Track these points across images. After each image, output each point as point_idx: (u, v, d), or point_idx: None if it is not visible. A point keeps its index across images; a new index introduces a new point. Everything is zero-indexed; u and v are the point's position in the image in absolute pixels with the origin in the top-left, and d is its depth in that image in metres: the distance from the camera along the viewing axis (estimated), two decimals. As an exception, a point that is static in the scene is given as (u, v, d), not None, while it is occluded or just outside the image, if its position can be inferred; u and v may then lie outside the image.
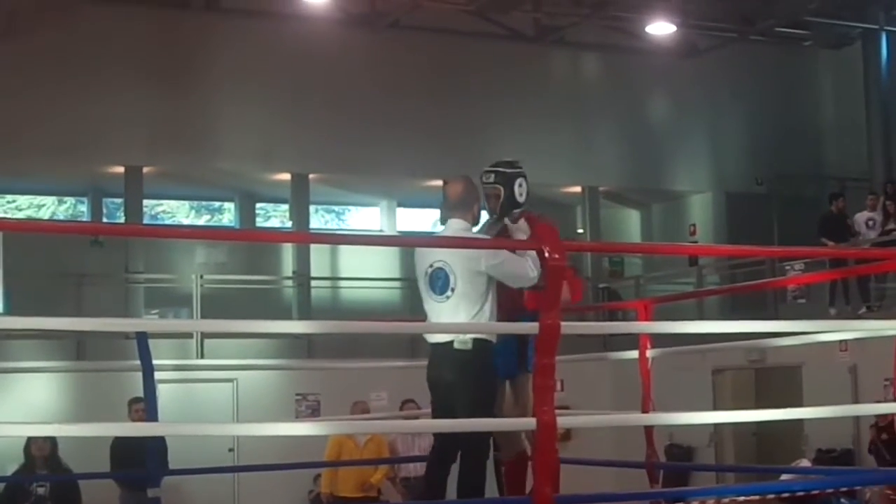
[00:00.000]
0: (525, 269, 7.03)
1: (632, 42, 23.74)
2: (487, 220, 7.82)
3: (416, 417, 12.06)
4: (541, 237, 7.20)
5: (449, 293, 7.18)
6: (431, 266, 7.27)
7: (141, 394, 8.90)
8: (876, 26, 24.00)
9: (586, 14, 22.68)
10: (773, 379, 19.61)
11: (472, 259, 7.09)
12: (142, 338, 8.13)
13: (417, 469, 13.75)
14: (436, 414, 7.42)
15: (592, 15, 22.62)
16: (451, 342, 7.15)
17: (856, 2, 22.59)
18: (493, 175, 7.66)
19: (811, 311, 18.46)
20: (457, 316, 7.16)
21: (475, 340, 7.11)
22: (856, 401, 16.50)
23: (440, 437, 7.39)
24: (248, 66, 21.70)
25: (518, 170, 7.69)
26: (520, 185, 7.63)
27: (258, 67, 21.73)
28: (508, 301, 7.37)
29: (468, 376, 7.11)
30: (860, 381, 17.01)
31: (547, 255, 5.59)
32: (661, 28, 22.42)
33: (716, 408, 18.61)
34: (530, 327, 5.79)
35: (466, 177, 7.59)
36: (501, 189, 7.61)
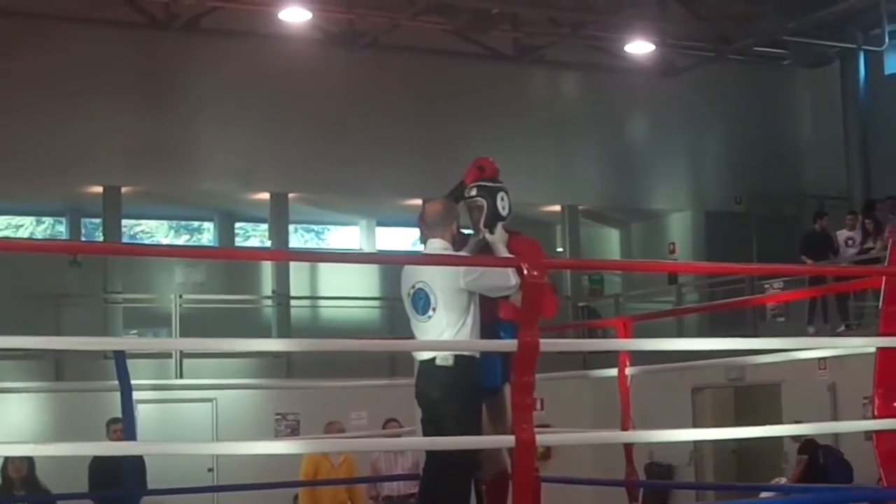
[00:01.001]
0: (504, 278, 7.11)
1: (611, 61, 23.82)
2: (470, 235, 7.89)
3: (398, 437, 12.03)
4: (520, 252, 7.24)
5: (430, 313, 7.28)
6: (413, 287, 7.40)
7: (119, 414, 8.84)
8: (854, 45, 24.11)
9: (565, 33, 22.75)
10: (753, 397, 19.65)
11: (451, 277, 7.17)
12: (120, 357, 8.08)
13: (400, 488, 13.73)
14: (424, 429, 7.45)
15: (571, 34, 22.69)
16: (434, 359, 7.22)
17: (834, 21, 22.69)
18: (475, 190, 7.77)
19: (790, 329, 18.51)
20: (437, 334, 7.23)
21: (457, 357, 7.19)
22: (835, 418, 16.53)
23: (430, 454, 7.42)
24: (227, 86, 21.70)
25: (499, 183, 7.80)
26: (502, 199, 7.77)
27: (237, 87, 21.73)
28: (487, 312, 7.41)
29: (451, 392, 7.18)
30: (839, 398, 17.04)
31: (526, 271, 5.59)
32: (639, 47, 22.50)
33: (696, 426, 18.63)
34: (509, 344, 5.79)
35: (445, 198, 7.72)
36: (484, 202, 7.72)
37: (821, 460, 15.83)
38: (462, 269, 7.16)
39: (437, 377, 7.22)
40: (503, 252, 7.58)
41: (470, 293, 7.23)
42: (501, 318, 7.42)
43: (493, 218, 7.72)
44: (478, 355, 7.30)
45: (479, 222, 7.74)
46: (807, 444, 15.99)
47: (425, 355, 7.35)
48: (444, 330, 7.23)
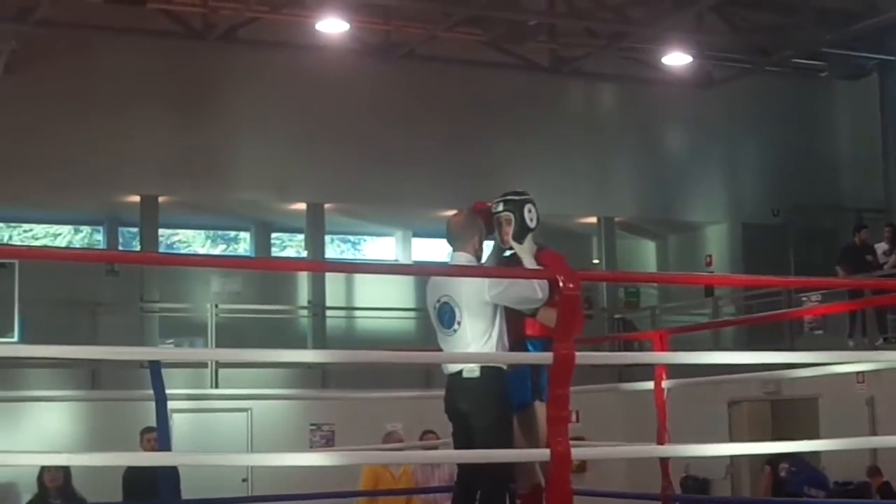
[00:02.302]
0: (530, 290, 7.09)
1: (648, 73, 23.74)
2: (494, 246, 7.90)
3: (435, 448, 11.99)
4: (551, 265, 7.22)
5: (456, 326, 7.30)
6: (439, 301, 7.44)
7: (154, 423, 8.86)
8: (892, 57, 23.95)
9: (602, 45, 22.69)
10: (790, 411, 19.50)
11: (475, 290, 7.19)
12: (155, 367, 8.10)
13: (437, 500, 13.65)
14: (455, 443, 7.44)
15: (608, 46, 22.62)
16: (461, 371, 7.21)
17: (872, 33, 22.53)
18: (502, 204, 7.82)
19: (828, 342, 18.39)
20: (463, 347, 7.24)
21: (483, 368, 7.19)
22: (873, 433, 16.40)
23: (462, 467, 7.41)
24: (264, 96, 21.77)
25: (526, 196, 7.84)
26: (529, 211, 7.80)
27: (274, 97, 21.79)
28: (514, 329, 7.41)
29: (479, 404, 7.17)
30: (877, 412, 16.91)
31: (561, 284, 5.56)
32: (677, 59, 22.41)
33: (732, 440, 18.51)
34: (545, 357, 5.76)
35: (467, 210, 7.75)
36: (512, 216, 7.76)
37: (781, 473, 15.69)
38: (487, 281, 7.17)
39: (465, 390, 7.22)
40: (532, 263, 7.58)
41: (495, 306, 7.22)
42: (528, 335, 7.41)
43: (522, 230, 7.76)
44: (505, 367, 7.28)
45: (507, 235, 7.77)
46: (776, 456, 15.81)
47: (453, 368, 7.36)
48: (469, 343, 7.23)
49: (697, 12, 21.00)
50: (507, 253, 7.83)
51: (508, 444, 7.16)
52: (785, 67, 24.28)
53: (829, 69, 24.63)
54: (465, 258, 7.47)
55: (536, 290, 7.08)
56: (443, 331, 7.41)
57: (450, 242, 7.64)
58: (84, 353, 6.09)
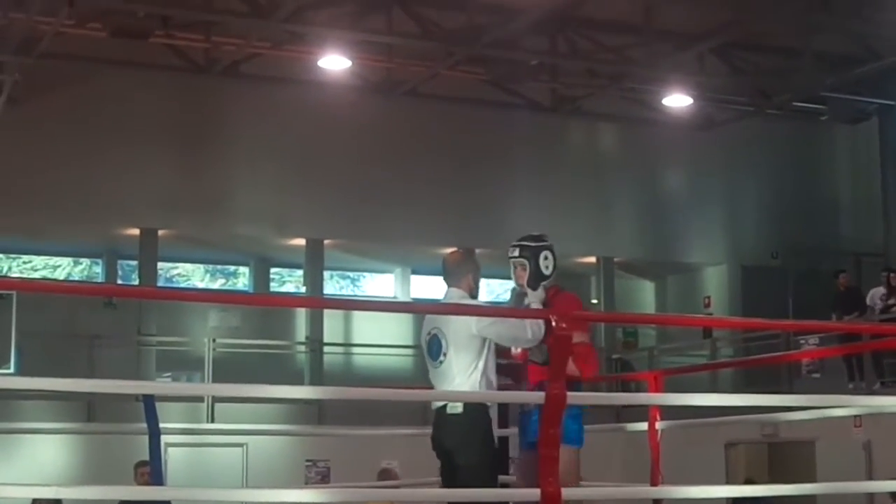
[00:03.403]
0: (520, 329, 7.10)
1: (648, 114, 23.82)
2: (513, 290, 7.90)
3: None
4: (557, 306, 7.23)
5: (442, 358, 7.34)
6: (429, 334, 7.50)
7: (148, 457, 8.84)
8: (892, 102, 24.04)
9: (603, 85, 22.77)
10: (787, 454, 19.46)
11: (463, 323, 7.24)
12: (149, 401, 8.11)
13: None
14: (442, 480, 7.43)
15: (609, 86, 22.71)
16: (445, 406, 7.24)
17: (872, 77, 22.62)
18: (517, 249, 7.80)
19: (826, 385, 18.36)
20: (449, 379, 7.29)
21: (467, 405, 7.17)
22: (870, 477, 16.33)
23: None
24: (265, 131, 21.83)
25: (543, 243, 7.81)
26: (545, 258, 7.76)
27: (276, 132, 21.85)
28: (516, 374, 7.41)
29: (461, 440, 7.16)
30: (875, 457, 16.86)
31: (554, 323, 5.56)
32: (677, 100, 22.47)
33: (728, 482, 18.44)
34: (537, 396, 5.76)
35: (465, 249, 7.86)
36: (527, 262, 7.73)
37: None
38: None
39: (449, 425, 7.22)
40: (534, 305, 7.58)
41: (483, 340, 7.25)
42: (531, 382, 7.39)
43: (537, 277, 7.72)
44: (490, 403, 7.28)
45: (522, 279, 7.75)
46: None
47: (437, 403, 7.40)
48: (455, 375, 7.27)
49: (698, 54, 21.10)
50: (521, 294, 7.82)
51: (490, 483, 7.13)
52: (785, 110, 24.36)
53: (829, 113, 24.73)
54: (458, 294, 7.51)
55: (527, 329, 7.09)
56: (431, 363, 7.46)
57: (445, 279, 7.68)
58: (79, 387, 6.09)
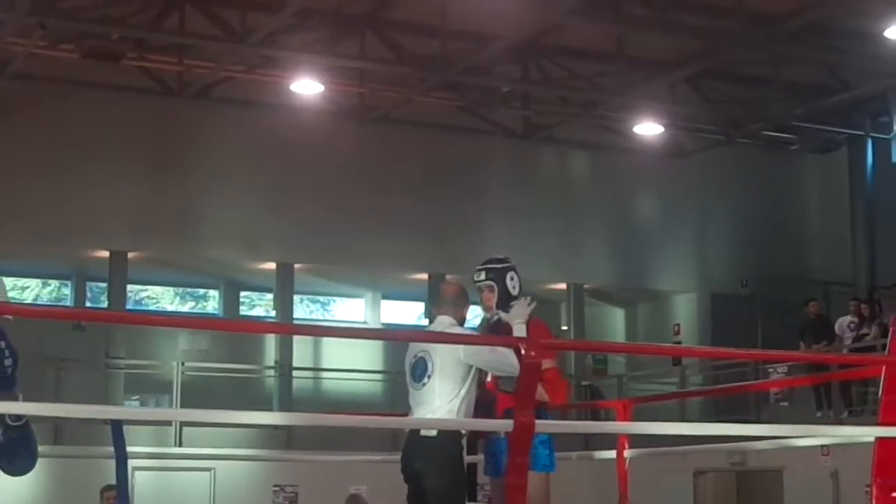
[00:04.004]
0: (506, 358, 7.07)
1: (620, 141, 23.91)
2: (484, 319, 7.91)
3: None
4: (530, 334, 7.23)
5: (425, 380, 7.30)
6: (415, 357, 7.44)
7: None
8: (861, 132, 24.22)
9: (575, 112, 22.86)
10: (755, 482, 19.49)
11: (451, 349, 7.20)
12: (116, 425, 8.07)
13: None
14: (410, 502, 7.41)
15: (582, 114, 22.80)
16: (419, 430, 7.20)
17: (842, 108, 22.79)
18: (483, 273, 7.80)
19: (794, 414, 18.44)
20: (429, 402, 7.25)
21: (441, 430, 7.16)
22: (837, 506, 16.39)
23: None
24: (236, 155, 21.81)
25: (507, 264, 7.85)
26: (511, 279, 7.79)
27: (246, 156, 21.83)
28: (488, 405, 7.39)
29: (432, 464, 7.14)
30: (841, 486, 16.90)
31: (523, 351, 5.57)
32: (649, 129, 22.58)
33: (696, 510, 18.48)
34: (505, 424, 5.75)
35: (460, 283, 7.82)
36: (495, 285, 7.75)
37: None
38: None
39: (421, 448, 7.21)
40: (520, 330, 7.55)
41: (469, 367, 7.23)
42: (498, 409, 7.38)
43: (506, 298, 7.74)
44: (464, 432, 7.27)
45: (490, 302, 7.75)
46: None
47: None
48: (436, 399, 7.23)
49: (670, 83, 21.21)
50: (494, 319, 7.81)
51: None
52: (756, 139, 24.50)
53: (799, 142, 24.88)
54: (447, 321, 7.49)
55: (513, 358, 7.06)
56: (413, 385, 7.42)
57: (436, 306, 7.67)
58: (45, 411, 6.05)
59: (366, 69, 20.60)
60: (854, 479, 16.12)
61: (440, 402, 7.23)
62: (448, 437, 7.17)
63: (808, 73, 21.31)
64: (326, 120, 22.08)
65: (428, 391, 7.30)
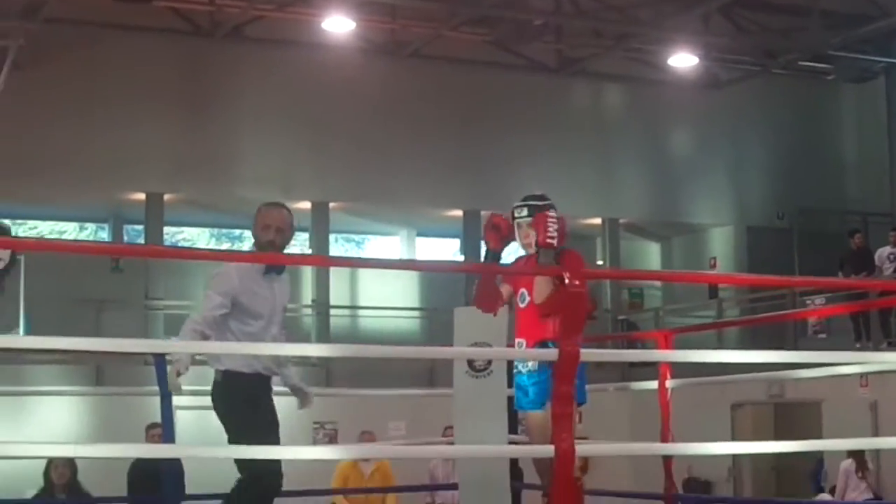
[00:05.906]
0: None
1: (654, 73, 23.74)
2: (488, 253, 7.88)
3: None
4: (566, 263, 7.23)
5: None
6: None
7: (159, 419, 8.87)
8: (899, 61, 23.99)
9: (608, 45, 22.70)
10: (793, 414, 19.50)
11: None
12: (160, 362, 8.13)
13: (455, 497, 13.62)
14: None
15: (615, 46, 22.64)
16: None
17: (879, 36, 22.54)
18: (525, 209, 7.73)
19: (831, 345, 18.36)
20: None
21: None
22: (876, 437, 16.36)
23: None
24: (269, 95, 21.78)
25: (548, 201, 7.77)
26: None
27: (280, 96, 21.80)
28: (535, 331, 7.38)
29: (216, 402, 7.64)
30: (880, 417, 16.90)
31: (567, 280, 5.57)
32: (683, 60, 22.42)
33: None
34: (550, 353, 5.76)
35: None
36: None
37: None
38: None
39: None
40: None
41: None
42: (546, 338, 7.36)
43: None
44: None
45: (528, 237, 7.69)
46: None
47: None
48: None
49: (704, 14, 21.01)
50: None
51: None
52: (791, 70, 24.29)
53: (835, 72, 24.62)
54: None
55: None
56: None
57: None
58: (89, 346, 6.10)
59: (397, 4, 20.51)
60: (893, 410, 16.13)
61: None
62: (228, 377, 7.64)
63: (844, 1, 21.06)
64: (358, 58, 22.00)
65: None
